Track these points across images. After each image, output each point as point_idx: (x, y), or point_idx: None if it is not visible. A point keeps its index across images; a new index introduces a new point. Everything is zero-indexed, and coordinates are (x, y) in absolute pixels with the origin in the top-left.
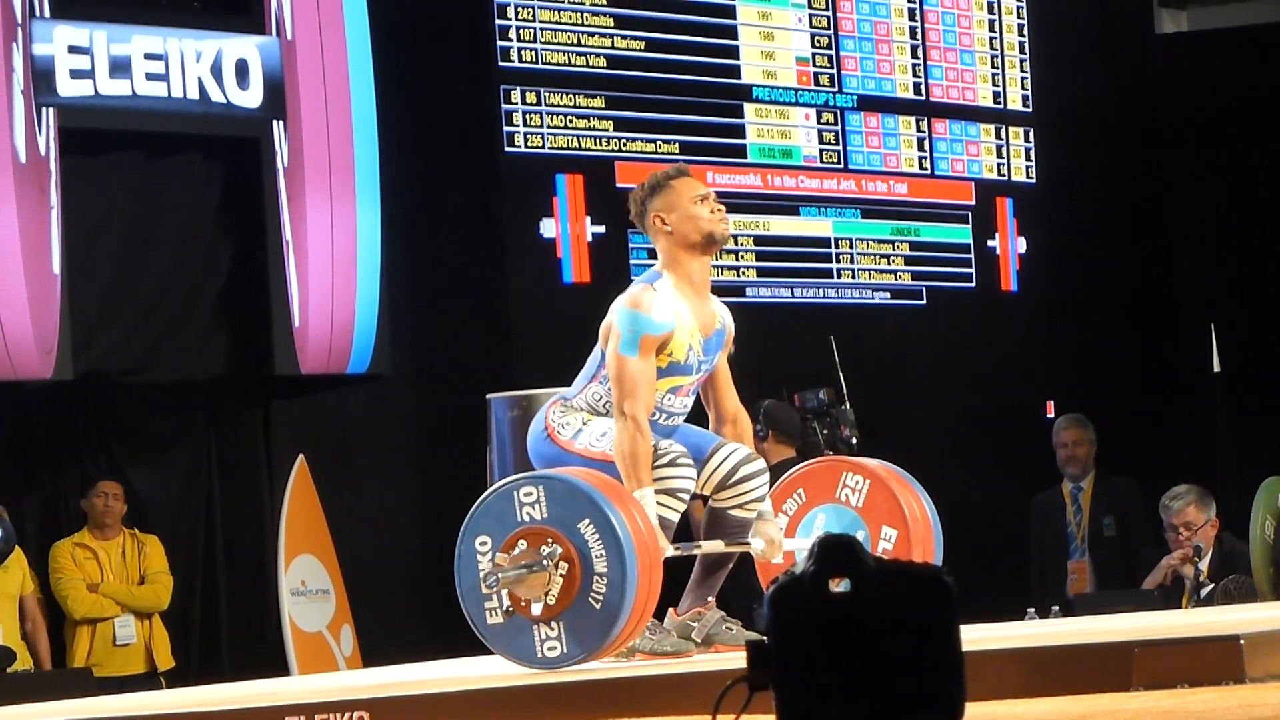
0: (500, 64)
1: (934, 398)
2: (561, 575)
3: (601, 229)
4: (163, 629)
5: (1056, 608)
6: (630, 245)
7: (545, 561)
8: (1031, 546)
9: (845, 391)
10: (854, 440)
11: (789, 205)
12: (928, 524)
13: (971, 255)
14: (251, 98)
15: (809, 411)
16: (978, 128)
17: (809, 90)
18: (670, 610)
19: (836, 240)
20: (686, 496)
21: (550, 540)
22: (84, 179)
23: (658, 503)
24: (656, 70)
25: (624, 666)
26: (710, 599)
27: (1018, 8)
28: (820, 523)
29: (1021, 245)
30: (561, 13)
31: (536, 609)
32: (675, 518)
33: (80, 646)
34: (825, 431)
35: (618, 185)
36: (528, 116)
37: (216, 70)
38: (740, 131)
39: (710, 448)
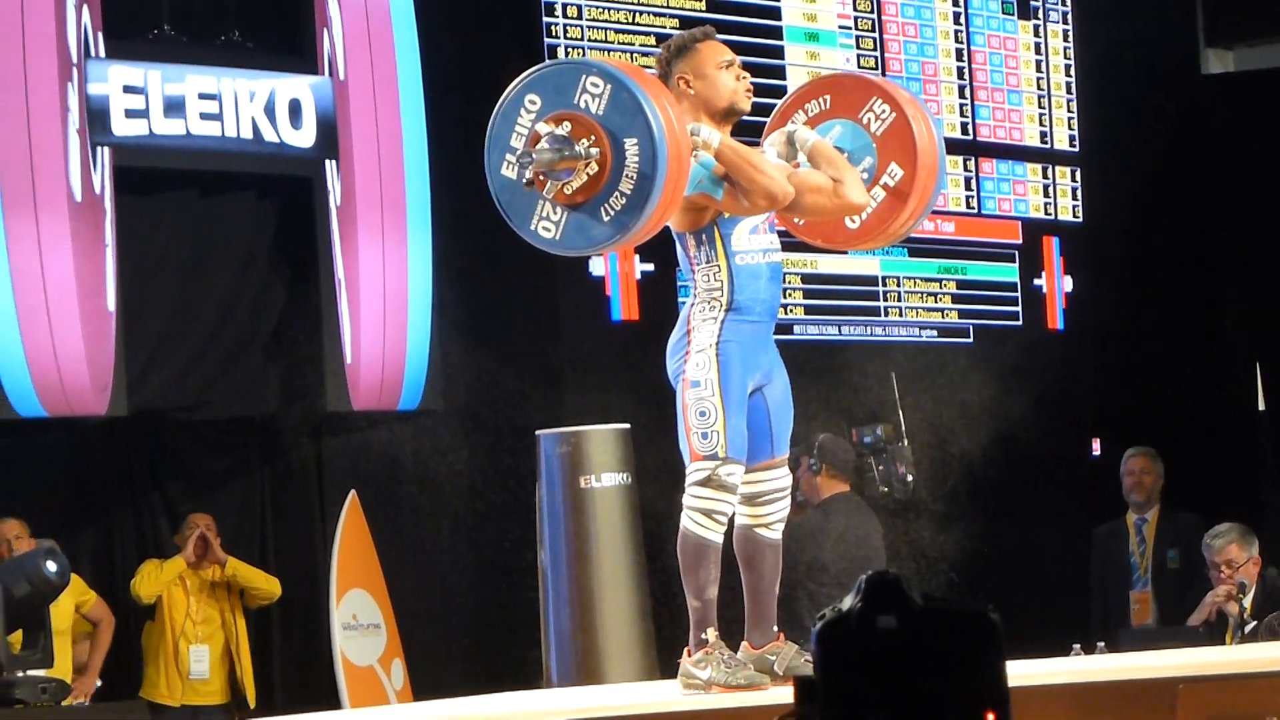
0: None
1: (980, 434)
2: (588, 174)
3: (650, 267)
4: (249, 663)
5: (1102, 644)
6: (678, 284)
7: (580, 152)
8: (1092, 577)
9: (903, 428)
10: (909, 478)
11: None
12: (933, 172)
13: (1018, 294)
14: (304, 137)
15: (866, 448)
16: (1025, 167)
17: None
18: (744, 644)
19: (884, 279)
20: (724, 520)
21: (594, 138)
22: (139, 218)
23: (697, 523)
24: None
25: (680, 700)
26: (780, 633)
27: (1064, 48)
28: (835, 134)
29: (1068, 284)
30: (609, 53)
31: (551, 189)
32: (717, 538)
33: (159, 677)
34: (881, 468)
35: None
36: None
37: (270, 110)
38: None
39: (761, 461)
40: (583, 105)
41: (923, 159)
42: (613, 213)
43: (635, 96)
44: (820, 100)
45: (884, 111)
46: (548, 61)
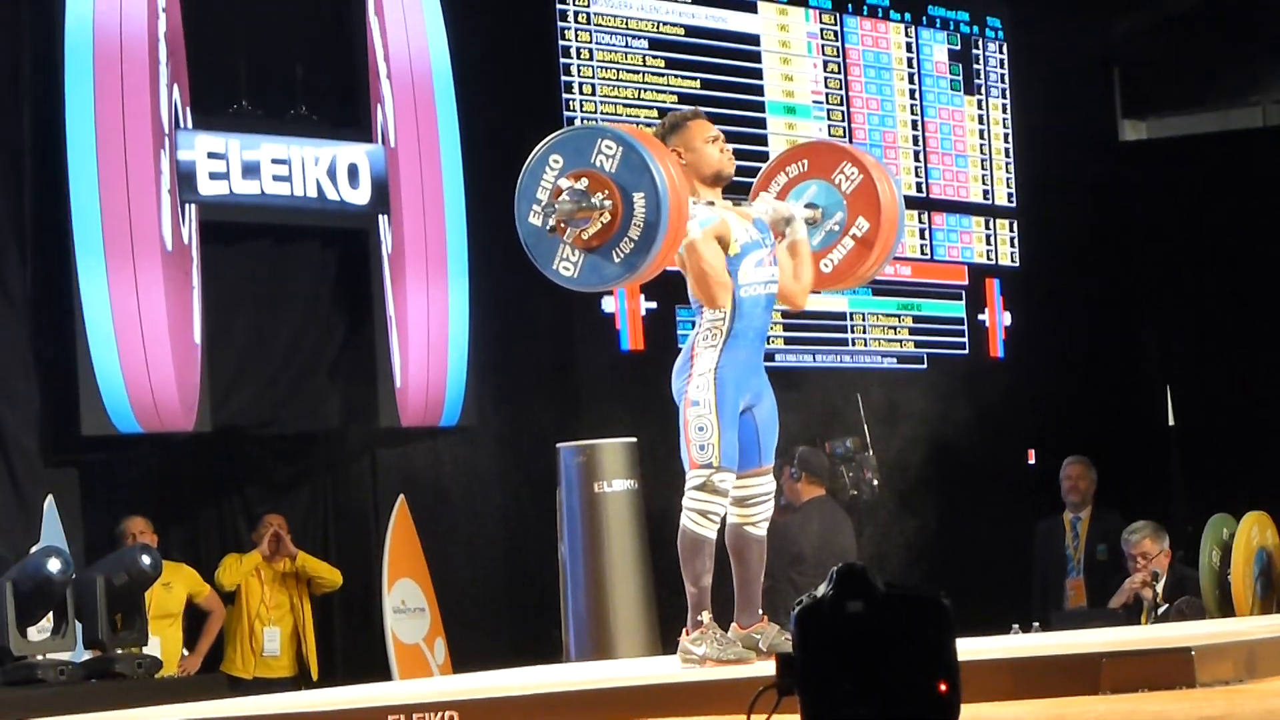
0: None
1: (934, 446)
2: (602, 222)
3: (654, 305)
4: (314, 641)
5: (1036, 624)
6: (677, 318)
7: (595, 203)
8: (1034, 566)
9: (869, 441)
10: (875, 482)
11: None
12: (894, 225)
13: (965, 327)
14: (361, 196)
15: (838, 457)
16: (970, 219)
17: None
18: (734, 624)
19: (851, 314)
20: (717, 519)
21: (607, 192)
22: (220, 264)
23: (694, 521)
24: None
25: (679, 673)
26: (764, 615)
27: (1003, 119)
28: (811, 193)
29: (1007, 319)
30: (621, 124)
31: (570, 234)
32: (711, 535)
33: (236, 654)
34: (851, 474)
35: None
36: None
37: (331, 173)
38: None
39: (750, 469)
40: (598, 164)
41: (885, 213)
42: (623, 255)
43: (643, 157)
44: (799, 164)
45: (853, 173)
46: (568, 127)
